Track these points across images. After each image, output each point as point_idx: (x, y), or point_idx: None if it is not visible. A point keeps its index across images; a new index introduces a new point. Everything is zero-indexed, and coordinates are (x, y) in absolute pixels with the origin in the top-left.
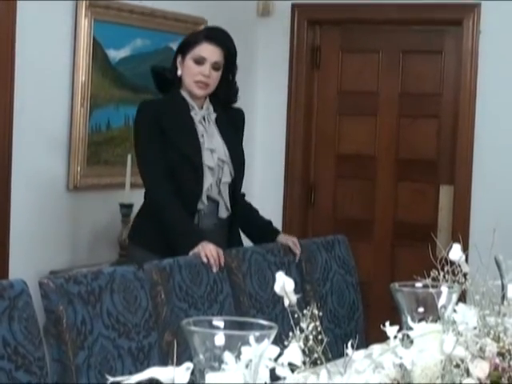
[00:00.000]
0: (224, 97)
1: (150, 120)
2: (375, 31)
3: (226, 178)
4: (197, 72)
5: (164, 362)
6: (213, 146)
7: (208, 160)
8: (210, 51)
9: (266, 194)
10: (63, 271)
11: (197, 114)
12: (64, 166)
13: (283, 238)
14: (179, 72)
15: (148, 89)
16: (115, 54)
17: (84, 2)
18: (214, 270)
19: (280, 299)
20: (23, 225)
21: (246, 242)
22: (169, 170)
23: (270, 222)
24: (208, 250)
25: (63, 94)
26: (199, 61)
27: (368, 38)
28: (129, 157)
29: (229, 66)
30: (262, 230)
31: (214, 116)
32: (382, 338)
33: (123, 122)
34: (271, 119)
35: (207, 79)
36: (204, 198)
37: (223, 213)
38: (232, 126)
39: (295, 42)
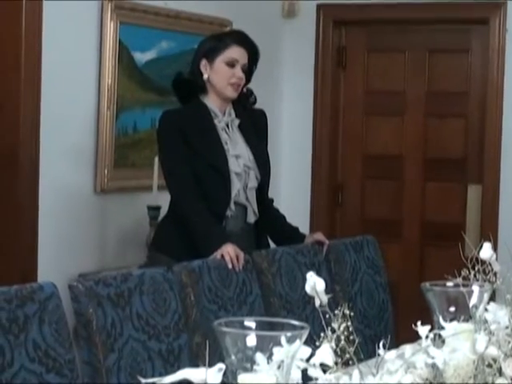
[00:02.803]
0: (245, 98)
1: (172, 130)
2: (401, 31)
3: (253, 183)
4: (230, 74)
5: (194, 363)
6: (237, 152)
7: (234, 166)
8: (240, 54)
9: (293, 195)
10: (92, 274)
11: (220, 122)
12: (91, 169)
13: (310, 237)
14: (205, 76)
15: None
16: (141, 57)
17: (110, 4)
18: (237, 269)
19: (310, 300)
20: (52, 228)
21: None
22: (194, 178)
23: (297, 229)
24: (226, 252)
25: (90, 97)
26: (232, 63)
27: (394, 37)
28: (156, 159)
29: (251, 68)
30: (290, 237)
31: (237, 122)
32: (412, 338)
33: (150, 125)
34: (297, 120)
35: (240, 81)
36: (232, 204)
37: (251, 218)
38: (255, 129)
39: (321, 42)
